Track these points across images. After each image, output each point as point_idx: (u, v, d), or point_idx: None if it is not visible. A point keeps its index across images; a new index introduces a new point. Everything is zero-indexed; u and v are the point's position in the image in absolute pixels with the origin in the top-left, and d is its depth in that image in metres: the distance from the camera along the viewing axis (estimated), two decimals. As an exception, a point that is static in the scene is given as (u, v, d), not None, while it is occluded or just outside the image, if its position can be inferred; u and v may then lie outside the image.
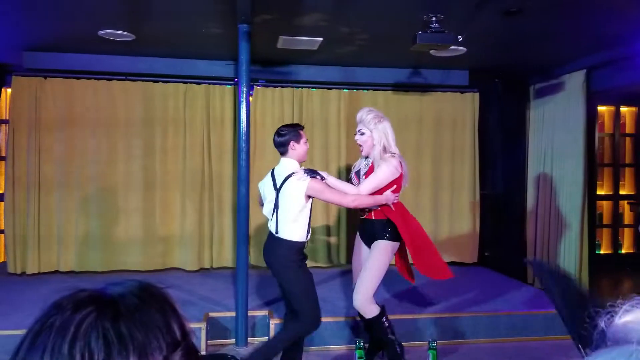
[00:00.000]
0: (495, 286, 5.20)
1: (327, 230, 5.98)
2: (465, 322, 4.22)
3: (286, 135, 3.17)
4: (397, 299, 4.61)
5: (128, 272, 5.54)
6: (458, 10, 3.74)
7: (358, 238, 3.59)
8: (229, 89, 5.81)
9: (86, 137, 5.55)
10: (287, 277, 3.15)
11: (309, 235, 3.22)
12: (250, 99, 5.20)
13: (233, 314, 4.07)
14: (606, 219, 6.92)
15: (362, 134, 3.36)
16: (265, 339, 4.11)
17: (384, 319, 3.32)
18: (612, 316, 0.60)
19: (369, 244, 3.44)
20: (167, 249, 5.74)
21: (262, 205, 3.40)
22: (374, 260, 3.30)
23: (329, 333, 3.96)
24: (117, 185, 5.61)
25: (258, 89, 5.82)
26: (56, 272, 5.52)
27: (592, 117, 6.21)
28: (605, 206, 6.92)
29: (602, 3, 3.66)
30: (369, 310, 3.28)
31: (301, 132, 3.22)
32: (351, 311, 4.25)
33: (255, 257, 5.76)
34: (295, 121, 5.83)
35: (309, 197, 3.09)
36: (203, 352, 3.83)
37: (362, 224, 3.50)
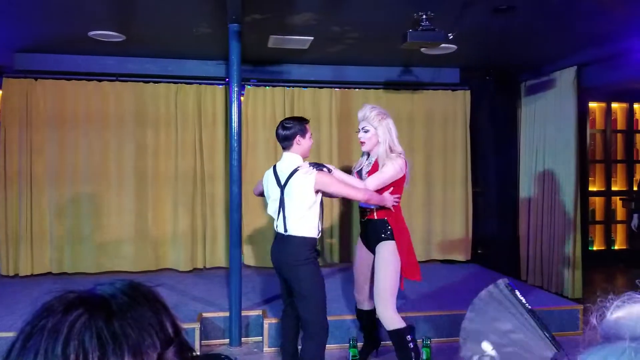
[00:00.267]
0: (488, 284, 5.19)
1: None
2: (459, 320, 4.20)
3: (292, 129, 2.99)
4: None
5: (121, 273, 5.52)
6: (448, 8, 3.74)
7: (360, 243, 3.43)
8: (220, 89, 5.79)
9: (78, 138, 5.52)
10: (298, 276, 2.93)
11: (321, 231, 3.04)
12: (242, 98, 5.18)
13: (227, 314, 4.06)
14: (599, 215, 6.96)
15: (367, 131, 3.21)
16: (259, 338, 4.10)
17: (408, 338, 3.09)
18: (604, 313, 0.59)
19: (373, 246, 3.28)
20: (160, 250, 5.71)
21: (258, 193, 3.27)
22: (386, 263, 3.13)
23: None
24: (109, 186, 5.59)
25: (249, 89, 5.81)
26: (49, 273, 5.49)
27: (583, 114, 6.25)
28: (597, 202, 6.96)
29: (590, 1, 3.67)
30: (393, 321, 3.09)
31: (307, 126, 3.05)
32: (345, 310, 4.25)
33: (248, 256, 5.75)
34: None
35: (318, 191, 2.93)
36: (197, 353, 3.81)
37: (364, 226, 3.35)
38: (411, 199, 6.03)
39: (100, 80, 5.55)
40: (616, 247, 6.99)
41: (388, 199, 3.12)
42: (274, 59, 5.45)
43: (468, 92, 6.19)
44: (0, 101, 5.50)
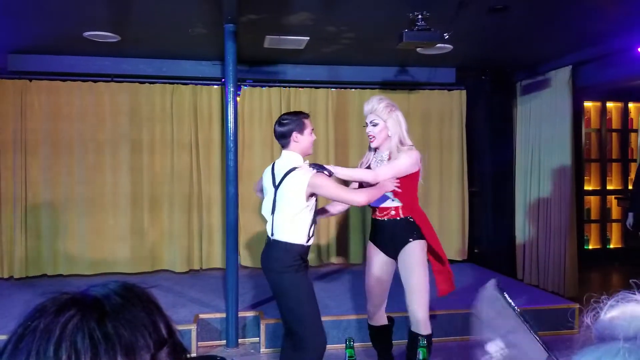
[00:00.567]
0: (485, 283, 5.21)
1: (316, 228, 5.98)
2: (455, 319, 4.23)
3: (288, 125, 2.75)
4: (388, 295, 4.60)
5: (117, 275, 5.50)
6: (444, 8, 3.75)
7: (374, 249, 3.08)
8: (216, 89, 5.78)
9: (72, 139, 5.50)
10: (281, 285, 2.70)
11: (312, 240, 2.78)
12: (238, 99, 5.17)
13: (223, 315, 4.05)
14: (594, 214, 6.98)
15: (375, 124, 2.94)
16: (256, 339, 4.09)
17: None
18: (598, 312, 0.59)
19: (393, 250, 2.98)
20: (156, 251, 5.70)
21: (260, 188, 3.03)
22: (420, 262, 2.90)
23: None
24: (104, 187, 5.57)
25: (245, 89, 5.80)
26: (44, 275, 5.46)
27: (578, 113, 6.27)
28: (593, 201, 6.98)
29: (584, 1, 3.68)
30: (428, 326, 2.90)
31: (305, 120, 2.78)
32: (341, 310, 4.25)
33: (245, 257, 5.74)
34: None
35: (311, 195, 2.69)
36: (194, 354, 3.80)
37: (381, 227, 3.01)
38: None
39: (95, 81, 5.53)
40: (611, 246, 7.02)
41: (387, 184, 2.80)
42: (270, 59, 5.44)
43: (464, 92, 6.20)
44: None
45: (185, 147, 5.73)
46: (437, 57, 5.23)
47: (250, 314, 4.22)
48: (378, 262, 3.05)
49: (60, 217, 5.48)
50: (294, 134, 2.75)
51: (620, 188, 6.99)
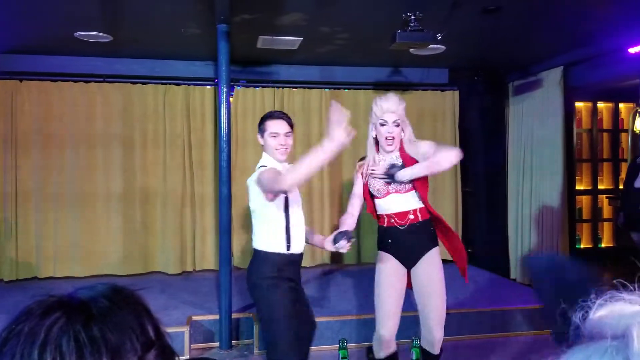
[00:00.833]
0: (478, 283, 5.24)
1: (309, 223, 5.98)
2: (449, 319, 4.23)
3: (258, 126, 2.64)
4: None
5: (108, 277, 5.46)
6: (437, 9, 3.76)
7: (389, 260, 2.76)
8: (209, 89, 5.77)
9: (64, 140, 5.46)
10: (255, 296, 2.52)
11: (296, 248, 2.55)
12: (231, 99, 5.15)
13: (216, 316, 4.03)
14: (586, 214, 7.02)
15: (397, 125, 2.73)
16: (250, 341, 4.08)
17: None
18: (587, 312, 0.60)
19: (413, 259, 2.74)
20: (149, 253, 5.67)
21: None
22: (439, 277, 2.71)
23: (313, 333, 3.94)
24: (96, 188, 5.53)
25: (238, 90, 5.79)
26: (34, 278, 5.42)
27: (569, 113, 6.30)
28: (584, 201, 7.03)
29: (574, 2, 3.71)
30: (440, 344, 2.76)
31: (268, 122, 2.56)
32: (334, 311, 4.25)
33: (238, 258, 5.73)
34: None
35: (272, 195, 2.47)
36: (186, 356, 3.79)
37: (400, 235, 2.74)
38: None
39: (87, 82, 5.50)
40: (603, 245, 7.07)
41: (340, 137, 2.24)
42: (263, 60, 5.44)
43: (457, 93, 6.23)
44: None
45: (178, 148, 5.71)
46: (430, 57, 5.25)
47: (243, 315, 4.21)
48: (395, 276, 2.75)
49: (51, 219, 5.43)
50: (258, 136, 2.64)
51: (611, 188, 7.04)
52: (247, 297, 4.66)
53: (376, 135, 2.81)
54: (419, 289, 2.75)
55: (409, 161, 2.74)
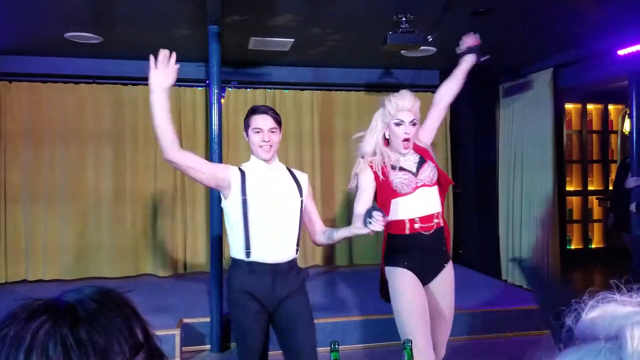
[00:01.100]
0: (470, 283, 5.25)
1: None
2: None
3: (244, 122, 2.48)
4: (372, 298, 4.61)
5: (99, 280, 5.41)
6: (428, 10, 3.77)
7: (408, 276, 2.41)
8: (200, 90, 5.74)
9: (54, 142, 5.41)
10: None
11: (258, 255, 2.29)
12: (222, 100, 5.14)
13: (208, 319, 4.01)
14: (576, 215, 7.08)
15: (415, 124, 2.50)
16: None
17: None
18: (579, 313, 0.59)
19: (432, 273, 2.46)
20: (139, 255, 5.63)
21: None
22: (453, 296, 2.51)
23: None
24: (86, 190, 5.49)
25: (230, 91, 5.77)
26: (24, 281, 5.36)
27: (559, 115, 6.36)
28: (574, 202, 7.09)
29: (564, 4, 3.74)
30: None
31: (251, 117, 2.40)
32: (326, 313, 4.24)
33: (229, 261, 5.71)
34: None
35: (224, 193, 2.35)
36: (177, 359, 3.76)
37: (424, 244, 2.42)
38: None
39: (77, 83, 5.45)
40: (593, 246, 7.12)
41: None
42: (254, 61, 5.43)
43: (448, 94, 6.24)
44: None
45: (169, 150, 5.67)
46: (421, 59, 5.26)
47: (235, 317, 4.19)
48: (421, 290, 2.41)
49: (40, 222, 5.38)
50: (244, 133, 2.47)
51: (601, 189, 7.11)
52: (239, 300, 4.64)
53: (388, 135, 2.51)
54: (432, 309, 2.43)
55: (427, 155, 2.55)
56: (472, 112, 6.26)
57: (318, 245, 2.57)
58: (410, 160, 2.50)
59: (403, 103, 2.48)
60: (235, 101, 5.80)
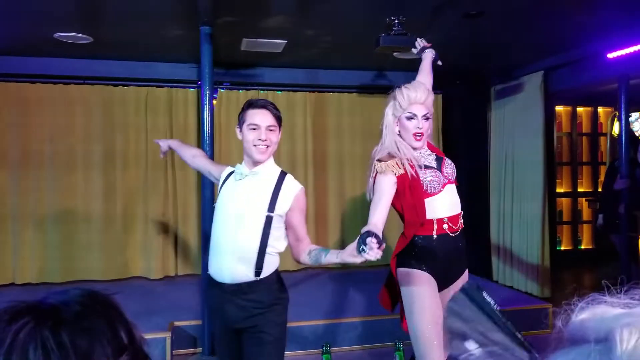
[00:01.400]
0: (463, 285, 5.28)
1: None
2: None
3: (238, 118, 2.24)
4: (364, 300, 4.62)
5: (88, 282, 5.37)
6: (420, 13, 3.79)
7: (428, 281, 2.26)
8: (192, 92, 5.72)
9: (42, 143, 5.35)
10: None
11: (210, 267, 2.16)
12: (214, 102, 5.12)
13: (199, 322, 3.99)
14: (566, 216, 7.13)
15: (428, 118, 2.33)
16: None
17: None
18: (569, 315, 0.59)
19: (453, 278, 2.33)
20: (130, 257, 5.59)
21: None
22: None
23: (297, 337, 3.93)
24: (76, 192, 5.44)
25: (222, 92, 5.75)
26: (12, 284, 5.29)
27: (550, 117, 6.41)
28: (564, 203, 7.14)
29: (555, 8, 3.76)
30: None
31: (247, 112, 2.15)
32: (318, 315, 4.24)
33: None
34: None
35: (214, 205, 2.24)
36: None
37: (450, 245, 2.30)
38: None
39: (66, 84, 5.40)
40: (583, 247, 7.18)
41: None
42: (247, 62, 5.41)
43: (440, 96, 6.27)
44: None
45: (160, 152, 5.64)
46: (414, 61, 5.26)
47: (226, 319, 4.17)
48: (438, 297, 2.27)
49: (29, 224, 5.31)
50: (236, 129, 2.23)
51: (590, 190, 7.17)
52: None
53: (399, 131, 2.35)
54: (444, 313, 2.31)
55: (439, 152, 2.46)
56: (464, 114, 6.29)
57: (302, 264, 2.26)
58: (428, 157, 2.36)
59: (416, 95, 2.29)
60: (227, 102, 5.78)
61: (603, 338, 0.53)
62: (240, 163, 2.24)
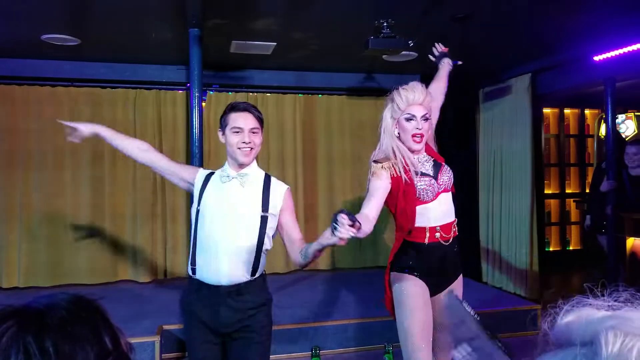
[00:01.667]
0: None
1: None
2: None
3: (220, 121, 2.23)
4: (354, 301, 4.62)
5: (77, 286, 5.31)
6: (408, 15, 3.80)
7: (419, 285, 2.27)
8: (180, 94, 5.69)
9: (29, 146, 5.29)
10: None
11: (199, 270, 2.13)
12: (203, 104, 5.11)
13: (188, 325, 3.95)
14: (554, 217, 7.19)
15: (427, 119, 2.29)
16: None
17: None
18: (554, 318, 0.60)
19: (444, 284, 2.33)
20: (118, 261, 5.54)
21: None
22: None
23: (286, 340, 3.91)
24: (63, 195, 5.38)
25: (211, 95, 5.73)
26: (-1, 288, 5.23)
27: (538, 119, 6.45)
28: (553, 205, 7.19)
29: (542, 11, 3.80)
30: None
31: (230, 115, 2.16)
32: (308, 317, 4.23)
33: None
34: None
35: (197, 207, 2.18)
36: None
37: (442, 252, 2.30)
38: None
39: (54, 86, 5.35)
40: (571, 248, 7.24)
41: None
42: (236, 65, 5.40)
43: (428, 99, 6.29)
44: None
45: (149, 153, 5.60)
46: (403, 64, 5.30)
47: (216, 323, 4.14)
48: (427, 305, 2.27)
49: (16, 227, 5.25)
50: (219, 133, 2.24)
51: (578, 192, 7.23)
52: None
53: (398, 133, 2.32)
54: (438, 318, 2.28)
55: (440, 159, 2.42)
56: (453, 116, 6.30)
57: (301, 267, 2.21)
58: (425, 162, 2.34)
59: (414, 96, 2.27)
60: (216, 104, 5.75)
61: (588, 341, 0.53)
62: (222, 166, 2.26)
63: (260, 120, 2.18)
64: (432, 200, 2.27)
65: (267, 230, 2.13)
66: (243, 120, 2.14)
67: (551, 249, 7.15)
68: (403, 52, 4.33)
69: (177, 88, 5.65)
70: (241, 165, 2.17)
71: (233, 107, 2.17)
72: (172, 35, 4.32)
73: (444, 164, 2.37)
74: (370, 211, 2.14)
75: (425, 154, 2.38)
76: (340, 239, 1.73)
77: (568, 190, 7.25)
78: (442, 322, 2.28)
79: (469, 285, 5.33)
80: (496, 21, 4.08)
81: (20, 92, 5.29)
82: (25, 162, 5.29)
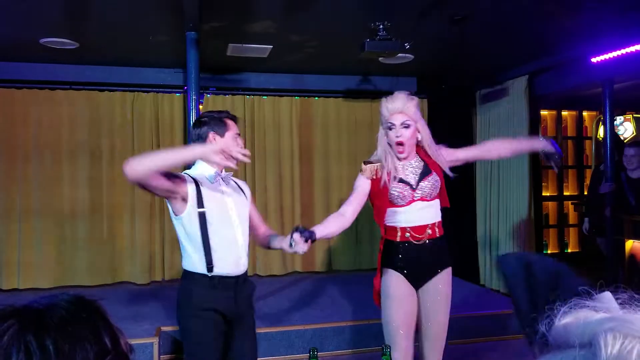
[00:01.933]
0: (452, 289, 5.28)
1: (281, 233, 5.94)
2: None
3: (206, 124, 2.26)
4: (351, 304, 4.61)
5: (75, 288, 5.30)
6: (405, 18, 3.81)
7: (398, 279, 2.44)
8: (178, 97, 5.69)
9: (28, 148, 5.31)
10: (180, 329, 2.35)
11: (222, 269, 2.22)
12: (200, 107, 5.10)
13: (186, 327, 3.94)
14: (552, 220, 7.19)
15: (407, 126, 2.38)
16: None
17: None
18: (552, 320, 0.59)
19: (423, 279, 2.45)
20: (117, 262, 5.53)
21: None
22: (449, 300, 2.48)
23: (284, 342, 3.91)
24: (62, 198, 5.38)
25: (208, 97, 5.74)
26: (-2, 290, 5.22)
27: (535, 121, 6.46)
28: (550, 207, 7.19)
29: (539, 13, 3.81)
30: None
31: (229, 121, 2.28)
32: (305, 319, 4.22)
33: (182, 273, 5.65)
34: (247, 129, 5.78)
35: (183, 201, 2.21)
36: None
37: (416, 252, 2.43)
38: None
39: (52, 89, 5.36)
40: (569, 250, 7.24)
41: (211, 152, 2.05)
42: (233, 67, 5.41)
43: (425, 101, 6.30)
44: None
45: (147, 156, 5.60)
46: (399, 66, 5.30)
47: (214, 325, 4.13)
48: (409, 298, 2.44)
49: (14, 229, 5.25)
50: (211, 135, 2.25)
51: (576, 194, 7.23)
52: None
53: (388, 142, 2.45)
54: (426, 310, 2.44)
55: (434, 167, 2.49)
56: (449, 118, 6.32)
57: (267, 248, 2.56)
58: (411, 168, 2.46)
59: (393, 105, 2.40)
60: (213, 107, 5.75)
61: (587, 343, 0.53)
62: (192, 169, 2.35)
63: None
64: (403, 206, 2.44)
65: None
66: (237, 128, 2.38)
67: (549, 252, 7.14)
68: (399, 55, 4.35)
69: (174, 91, 5.66)
70: (219, 166, 2.28)
71: (228, 115, 2.36)
72: (170, 38, 4.33)
73: (433, 173, 2.48)
74: (347, 208, 2.42)
75: (418, 158, 2.50)
76: (297, 252, 2.15)
77: (566, 193, 7.25)
78: (428, 314, 2.46)
79: (466, 288, 5.36)
80: (493, 23, 4.09)
81: (19, 95, 5.29)
82: (25, 165, 5.30)
